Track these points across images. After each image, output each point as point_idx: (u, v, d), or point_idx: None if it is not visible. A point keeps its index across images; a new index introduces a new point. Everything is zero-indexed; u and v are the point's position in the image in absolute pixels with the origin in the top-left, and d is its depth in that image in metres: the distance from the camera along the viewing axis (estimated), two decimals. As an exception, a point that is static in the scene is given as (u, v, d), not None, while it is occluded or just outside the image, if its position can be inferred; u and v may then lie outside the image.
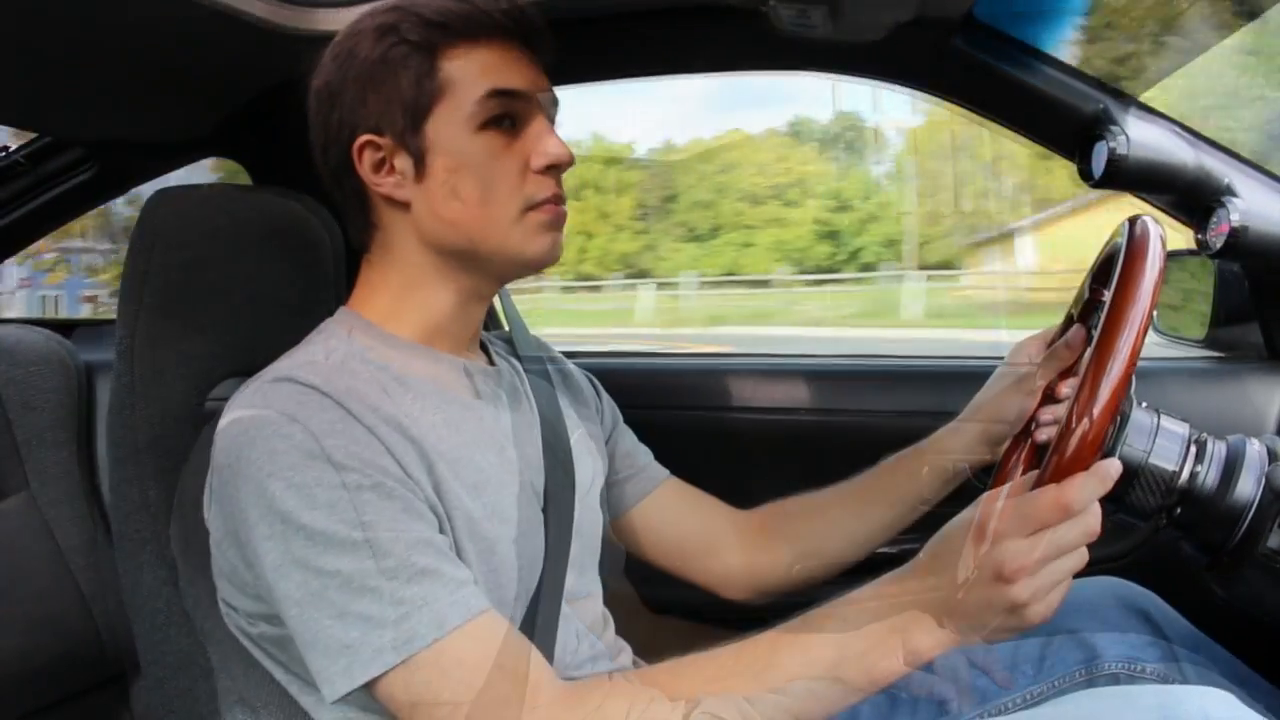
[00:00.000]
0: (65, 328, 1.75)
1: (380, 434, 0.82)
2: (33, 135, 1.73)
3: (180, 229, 0.99)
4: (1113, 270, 0.87)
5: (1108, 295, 0.86)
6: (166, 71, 1.35)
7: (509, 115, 0.91)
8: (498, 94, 0.89)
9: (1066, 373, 1.08)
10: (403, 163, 0.90)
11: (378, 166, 0.91)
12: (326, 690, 0.78)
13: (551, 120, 0.96)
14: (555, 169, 0.92)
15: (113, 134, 1.64)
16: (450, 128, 0.89)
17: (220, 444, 0.84)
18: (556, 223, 0.93)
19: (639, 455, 1.21)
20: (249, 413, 0.82)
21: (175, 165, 1.80)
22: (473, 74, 0.89)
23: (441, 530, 0.84)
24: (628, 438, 1.22)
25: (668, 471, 1.23)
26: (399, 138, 0.90)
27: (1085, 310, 1.07)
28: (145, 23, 1.16)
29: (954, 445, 1.13)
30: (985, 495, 0.82)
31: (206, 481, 0.88)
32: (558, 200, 0.93)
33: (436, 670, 0.77)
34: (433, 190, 0.90)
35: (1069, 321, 1.10)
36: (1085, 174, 1.27)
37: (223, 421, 0.85)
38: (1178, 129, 1.27)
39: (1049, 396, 1.08)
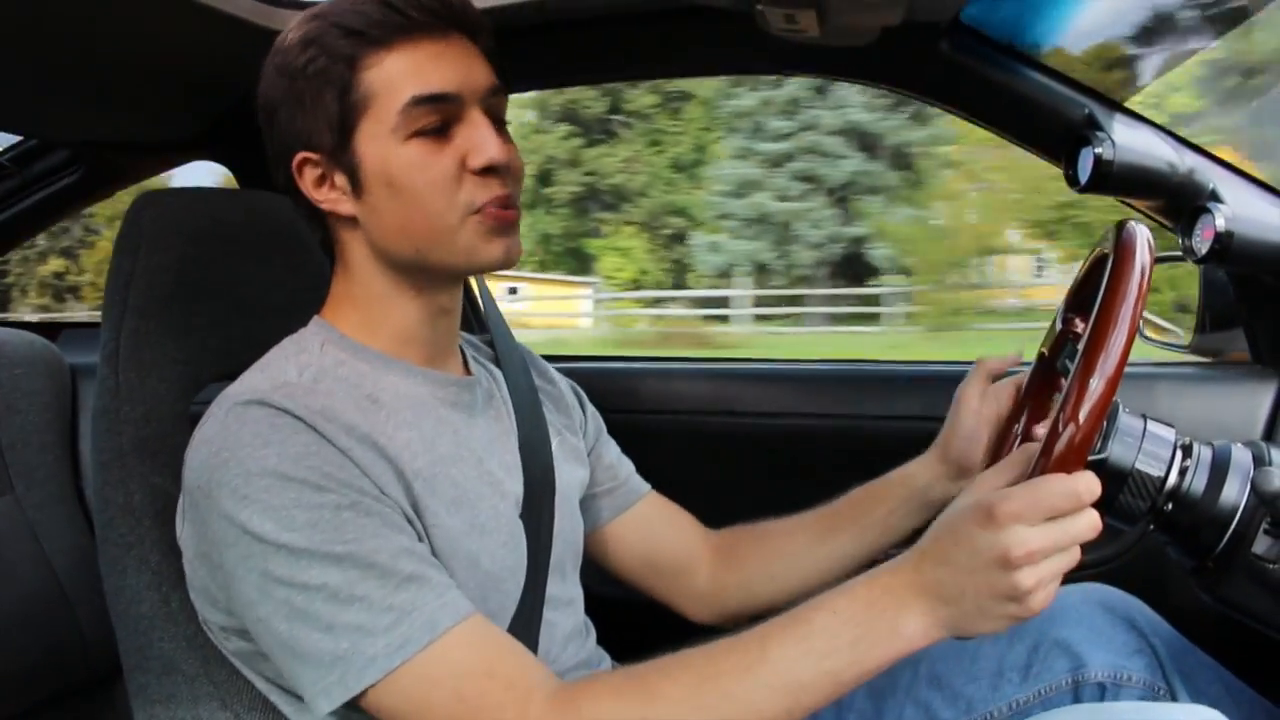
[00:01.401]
0: (50, 330, 1.75)
1: (355, 455, 0.81)
2: (18, 138, 1.72)
3: (166, 232, 0.98)
4: (1096, 283, 0.87)
5: (1082, 326, 0.85)
6: (153, 73, 1.34)
7: (439, 120, 0.86)
8: (421, 101, 0.85)
9: (1038, 414, 1.07)
10: (340, 179, 0.88)
11: (319, 183, 0.89)
12: (322, 702, 0.77)
13: (496, 113, 0.91)
14: (494, 170, 0.87)
15: (99, 136, 1.64)
16: (377, 141, 0.85)
17: (192, 465, 0.83)
18: (503, 227, 0.89)
19: (620, 468, 1.20)
20: (221, 436, 0.81)
21: (162, 167, 1.79)
22: (393, 83, 0.85)
23: (420, 541, 0.84)
24: (611, 449, 1.21)
25: (648, 486, 1.22)
26: (331, 154, 0.87)
27: (1056, 345, 1.07)
28: (131, 24, 1.16)
29: (923, 478, 1.11)
30: (983, 477, 0.81)
31: (179, 500, 0.87)
32: (500, 201, 0.88)
33: (430, 675, 0.77)
34: (373, 205, 0.87)
35: (1040, 360, 1.09)
36: (1071, 179, 1.27)
37: (194, 443, 0.84)
38: (1163, 134, 1.27)
39: (1027, 435, 1.08)
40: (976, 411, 1.08)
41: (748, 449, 1.62)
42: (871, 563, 1.14)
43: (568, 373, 1.24)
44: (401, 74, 0.85)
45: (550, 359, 1.25)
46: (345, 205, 0.89)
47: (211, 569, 0.83)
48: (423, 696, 0.77)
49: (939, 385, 1.58)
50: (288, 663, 0.79)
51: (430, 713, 0.77)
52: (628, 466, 1.22)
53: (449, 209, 0.86)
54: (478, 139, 0.87)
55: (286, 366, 0.89)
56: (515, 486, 0.98)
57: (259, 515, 0.77)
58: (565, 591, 1.04)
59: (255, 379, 0.87)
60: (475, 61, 0.89)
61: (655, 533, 1.19)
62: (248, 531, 0.77)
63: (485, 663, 0.78)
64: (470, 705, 0.77)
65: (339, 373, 0.90)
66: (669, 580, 1.19)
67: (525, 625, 0.94)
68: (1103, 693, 1.04)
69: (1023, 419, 1.09)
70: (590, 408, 1.22)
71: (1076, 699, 1.05)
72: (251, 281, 1.06)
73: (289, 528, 0.76)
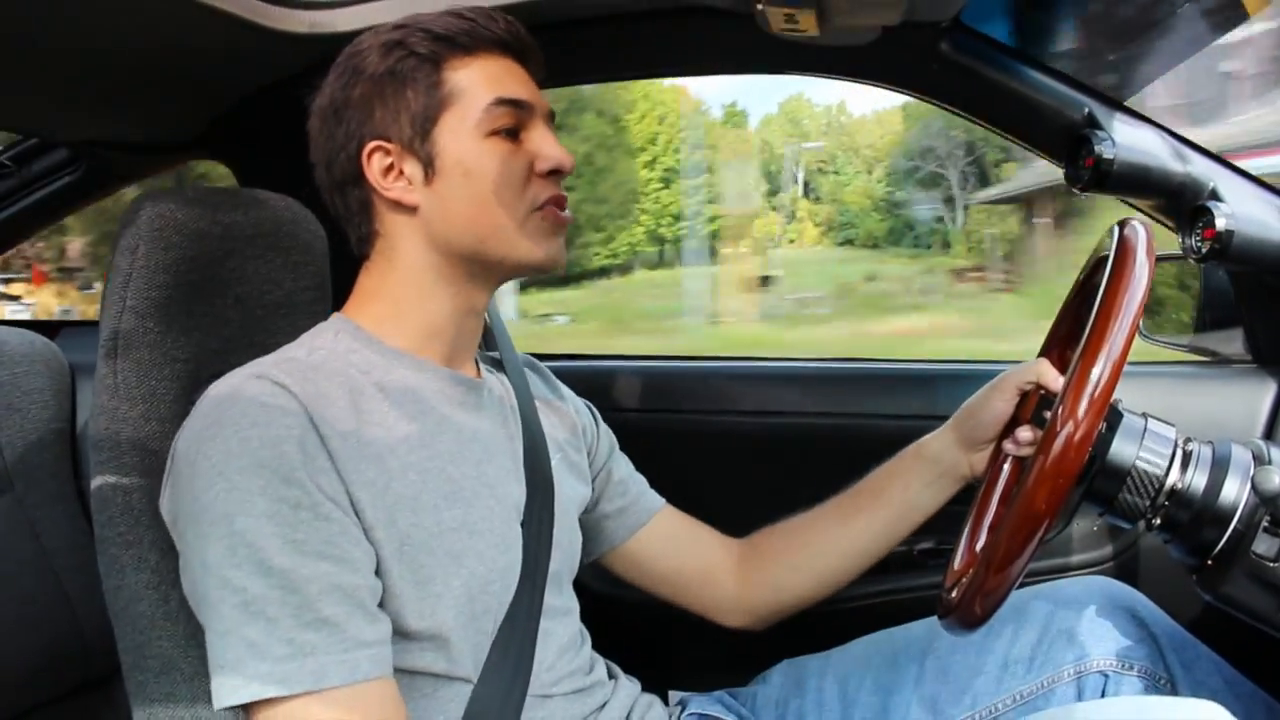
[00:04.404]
0: (50, 329, 1.74)
1: (333, 447, 0.82)
2: (18, 137, 1.72)
3: (165, 230, 0.98)
4: (1097, 284, 0.87)
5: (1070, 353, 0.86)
6: (154, 73, 1.34)
7: (513, 122, 0.94)
8: (503, 103, 0.93)
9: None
10: (411, 168, 0.93)
11: (386, 171, 0.93)
12: (214, 699, 0.79)
13: (551, 132, 0.98)
14: (558, 173, 0.96)
15: (99, 136, 1.63)
16: (458, 134, 0.92)
17: (186, 432, 0.84)
18: (560, 228, 0.97)
19: (631, 485, 1.21)
20: (217, 410, 0.82)
21: (163, 167, 1.79)
22: (478, 84, 0.93)
23: (378, 570, 0.84)
24: (621, 466, 1.22)
25: (663, 501, 1.23)
26: (407, 144, 0.93)
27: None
28: (132, 24, 1.15)
29: (934, 447, 1.14)
30: None
31: (166, 466, 0.88)
32: (559, 203, 0.96)
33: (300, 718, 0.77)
34: (442, 193, 0.93)
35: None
36: (1072, 178, 1.28)
37: (194, 411, 0.85)
38: (1163, 133, 1.27)
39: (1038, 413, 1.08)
40: (1003, 397, 1.09)
41: (749, 448, 1.62)
42: (896, 541, 1.16)
43: (570, 371, 1.24)
44: (486, 77, 0.94)
45: (548, 357, 1.24)
46: (412, 194, 0.93)
47: (178, 537, 0.84)
48: None
49: (942, 384, 1.59)
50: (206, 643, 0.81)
51: None
52: (640, 483, 1.23)
53: (517, 203, 0.94)
54: (547, 145, 0.96)
55: (297, 349, 0.93)
56: (515, 492, 0.99)
57: (225, 492, 0.78)
58: (562, 602, 1.04)
59: (261, 360, 0.89)
60: (536, 88, 0.99)
61: (675, 547, 1.21)
62: (211, 507, 0.78)
63: None
64: None
65: (350, 358, 0.92)
66: (695, 591, 1.21)
67: (521, 633, 0.94)
68: (1105, 682, 1.05)
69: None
70: (603, 426, 1.23)
71: (1079, 689, 1.06)
72: (250, 280, 1.05)
73: (247, 511, 0.77)
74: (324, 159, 0.96)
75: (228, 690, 0.77)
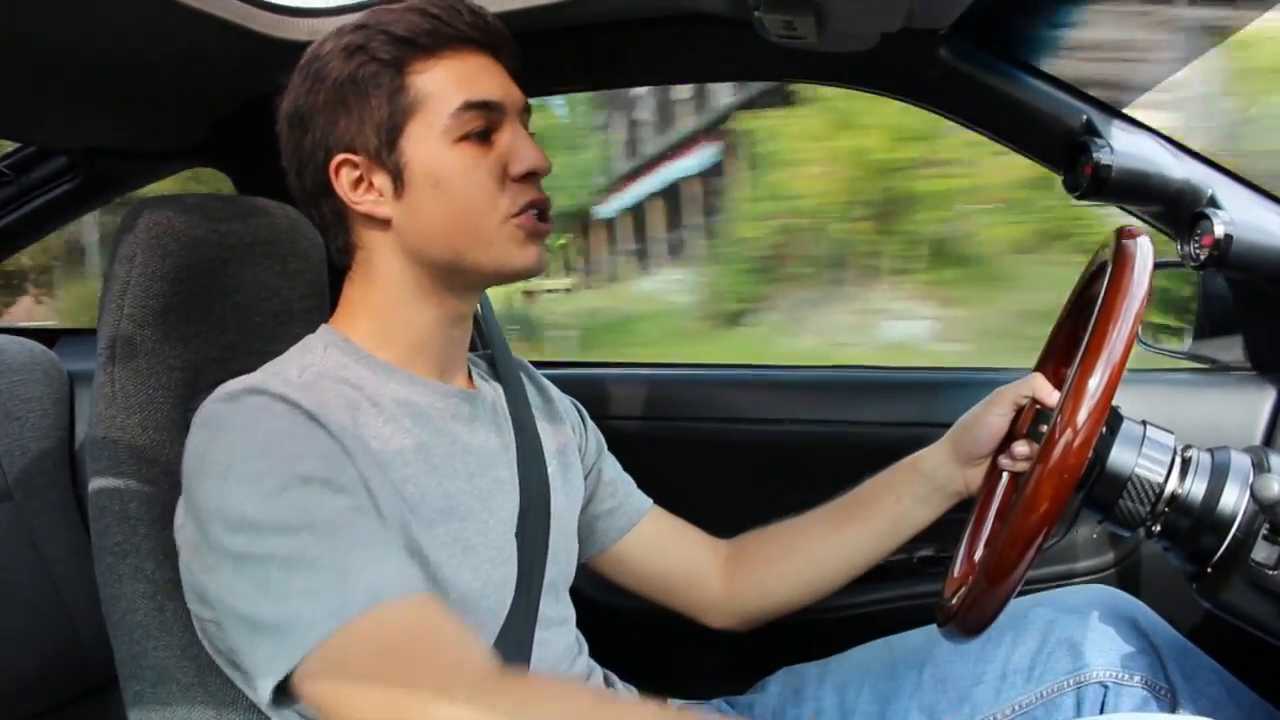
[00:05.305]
0: (49, 337, 1.74)
1: (345, 442, 0.81)
2: (16, 144, 1.72)
3: (163, 238, 0.98)
4: (1097, 291, 0.87)
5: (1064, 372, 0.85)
6: (152, 81, 1.34)
7: (484, 125, 0.90)
8: (472, 106, 0.89)
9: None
10: (381, 180, 0.90)
11: (355, 185, 0.91)
12: (264, 684, 0.75)
13: (524, 126, 0.95)
14: (534, 175, 0.92)
15: (98, 144, 1.63)
16: (426, 143, 0.89)
17: (188, 448, 0.83)
18: (538, 234, 0.93)
19: (620, 485, 1.20)
20: (216, 419, 0.82)
21: (161, 175, 1.79)
22: (444, 88, 0.89)
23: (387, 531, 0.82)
24: (611, 467, 1.21)
25: (650, 501, 1.23)
26: (374, 156, 0.89)
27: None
28: (131, 31, 1.15)
29: (930, 462, 1.12)
30: None
31: (181, 497, 0.87)
32: (538, 206, 0.93)
33: (367, 642, 0.73)
34: (414, 205, 0.90)
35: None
36: (1070, 185, 1.28)
37: (191, 428, 0.84)
38: (1162, 141, 1.27)
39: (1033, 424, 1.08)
40: (998, 412, 1.08)
41: (745, 455, 1.62)
42: (886, 553, 1.15)
43: (564, 379, 1.23)
44: (452, 80, 0.89)
45: (546, 364, 1.24)
46: (383, 207, 0.91)
47: (198, 552, 0.82)
48: (359, 661, 0.73)
49: (937, 390, 1.58)
50: (245, 643, 0.78)
51: (361, 681, 0.73)
52: (628, 484, 1.22)
53: (491, 210, 0.90)
54: (520, 147, 0.92)
55: (288, 366, 0.90)
56: (510, 503, 0.98)
57: (237, 484, 0.77)
58: (558, 611, 1.04)
59: (253, 376, 0.88)
60: (510, 80, 0.94)
61: (663, 548, 1.20)
62: (226, 501, 0.77)
63: (427, 636, 0.75)
64: (403, 677, 0.73)
65: (340, 374, 0.90)
66: (683, 593, 1.20)
67: (515, 644, 0.94)
68: (1105, 693, 1.04)
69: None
70: (591, 425, 1.22)
71: (1079, 700, 1.05)
72: (248, 288, 1.05)
73: (259, 494, 0.76)
74: (294, 167, 0.94)
75: (297, 643, 0.73)
